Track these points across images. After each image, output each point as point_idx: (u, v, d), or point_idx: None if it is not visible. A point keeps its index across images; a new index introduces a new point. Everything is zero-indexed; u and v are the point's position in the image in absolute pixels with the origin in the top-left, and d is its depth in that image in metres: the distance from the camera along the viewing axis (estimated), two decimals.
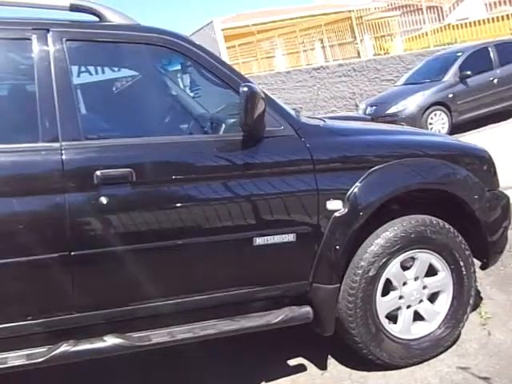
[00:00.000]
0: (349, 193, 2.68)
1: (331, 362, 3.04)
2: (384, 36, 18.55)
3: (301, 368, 3.00)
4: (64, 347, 2.36)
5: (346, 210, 2.67)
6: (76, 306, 2.40)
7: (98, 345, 2.41)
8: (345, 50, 19.07)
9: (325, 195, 2.65)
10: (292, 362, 3.06)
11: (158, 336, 2.50)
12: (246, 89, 2.40)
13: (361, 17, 18.81)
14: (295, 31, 19.92)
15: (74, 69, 2.57)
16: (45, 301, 2.36)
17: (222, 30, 22.71)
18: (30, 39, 2.36)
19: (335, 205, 2.67)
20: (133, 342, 2.45)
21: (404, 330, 2.87)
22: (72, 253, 2.32)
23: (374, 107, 10.67)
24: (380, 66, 16.18)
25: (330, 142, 2.77)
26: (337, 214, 2.66)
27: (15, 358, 2.33)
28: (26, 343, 2.39)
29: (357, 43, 18.61)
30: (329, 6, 23.63)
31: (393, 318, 2.88)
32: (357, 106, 15.12)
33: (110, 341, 2.41)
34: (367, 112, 10.60)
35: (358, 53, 18.48)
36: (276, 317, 2.65)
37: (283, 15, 22.61)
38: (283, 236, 2.61)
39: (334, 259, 2.69)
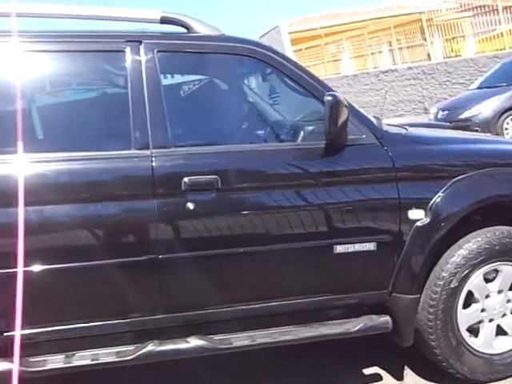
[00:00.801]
0: (431, 202, 2.64)
1: (407, 372, 3.00)
2: (455, 38, 18.04)
3: (376, 377, 2.98)
4: (150, 346, 2.45)
5: (428, 219, 2.63)
6: (161, 307, 2.49)
7: (182, 346, 2.49)
8: (414, 53, 18.69)
9: (407, 204, 2.63)
10: (367, 371, 3.04)
11: (239, 339, 2.55)
12: (330, 98, 2.42)
13: (431, 18, 18.37)
14: (363, 34, 19.70)
15: (164, 79, 2.66)
16: (132, 301, 2.46)
17: (289, 33, 22.78)
18: (123, 51, 2.48)
19: (417, 214, 2.64)
20: (215, 344, 2.51)
21: (486, 344, 2.79)
22: (160, 256, 2.41)
23: (446, 112, 10.39)
24: (451, 68, 15.76)
25: (413, 151, 2.74)
26: (418, 223, 2.64)
27: (106, 355, 2.44)
28: (115, 341, 2.50)
29: (427, 45, 18.20)
30: (398, 8, 23.22)
31: (474, 331, 2.81)
32: (426, 109, 14.80)
33: (193, 342, 2.49)
34: (439, 117, 10.34)
35: (428, 55, 18.06)
36: (355, 325, 2.65)
37: (351, 18, 22.40)
38: (364, 244, 2.61)
39: (414, 269, 2.66)
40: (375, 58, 19.91)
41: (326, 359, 3.13)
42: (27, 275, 2.33)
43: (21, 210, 2.02)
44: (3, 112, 2.43)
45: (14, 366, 2.10)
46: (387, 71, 17.38)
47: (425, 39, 18.31)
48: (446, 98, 13.75)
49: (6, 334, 2.33)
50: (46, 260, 2.35)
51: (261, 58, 2.64)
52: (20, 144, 2.11)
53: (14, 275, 2.29)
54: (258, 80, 3.05)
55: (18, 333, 2.05)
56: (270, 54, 2.65)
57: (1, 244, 2.29)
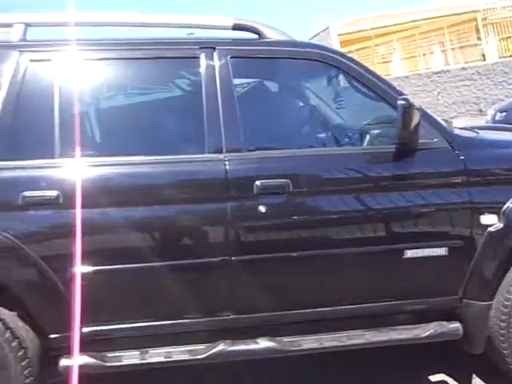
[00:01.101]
0: (505, 207, 2.59)
1: (476, 381, 2.95)
2: (511, 37, 17.51)
3: None
4: (222, 346, 2.49)
5: (502, 224, 2.58)
6: (231, 308, 2.53)
7: (252, 346, 2.52)
8: (467, 53, 18.22)
9: (479, 209, 2.59)
10: (434, 378, 3.00)
11: (308, 342, 2.57)
12: (404, 101, 2.41)
13: (486, 17, 17.89)
14: (415, 34, 19.36)
15: (237, 84, 2.71)
16: (204, 301, 2.52)
17: (339, 35, 22.61)
18: (198, 57, 2.54)
19: (490, 219, 2.59)
20: (284, 346, 2.54)
21: None
22: (232, 258, 2.46)
23: (505, 113, 10.09)
24: (508, 68, 15.33)
25: (485, 155, 2.70)
26: (491, 228, 2.59)
27: (179, 353, 2.50)
28: (187, 340, 2.56)
29: (481, 45, 17.73)
30: (451, 7, 22.71)
31: None
32: (481, 111, 14.42)
33: (263, 343, 2.52)
34: (497, 118, 10.05)
35: (483, 55, 17.59)
36: (425, 331, 2.62)
37: (403, 18, 22.04)
38: (434, 249, 2.58)
39: (486, 275, 2.61)
40: (426, 58, 19.53)
41: (391, 365, 3.11)
42: (107, 274, 2.44)
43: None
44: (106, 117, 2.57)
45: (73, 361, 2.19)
46: (440, 72, 17.02)
47: (479, 38, 17.84)
48: (502, 99, 13.36)
49: (84, 329, 2.42)
50: (124, 259, 2.44)
51: (331, 63, 2.66)
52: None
53: (99, 273, 2.42)
54: (323, 84, 3.06)
55: (76, 324, 2.18)
56: (340, 58, 2.67)
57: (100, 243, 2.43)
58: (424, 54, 19.48)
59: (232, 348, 2.51)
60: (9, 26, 2.55)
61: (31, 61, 2.47)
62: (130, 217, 2.42)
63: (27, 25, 2.56)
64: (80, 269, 2.38)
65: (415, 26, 19.85)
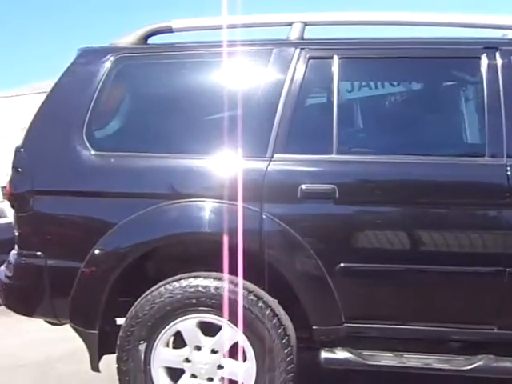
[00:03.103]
0: None
1: None
2: None
3: None
4: (485, 360, 2.38)
5: None
6: (498, 321, 2.40)
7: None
8: None
9: None
10: None
11: None
12: None
13: None
14: None
15: None
16: (472, 311, 2.42)
17: None
18: (479, 57, 2.45)
19: None
20: None
21: None
22: (507, 269, 2.33)
23: None
24: None
25: None
26: None
27: (437, 362, 2.43)
28: (440, 349, 2.48)
29: None
30: None
31: None
32: None
33: None
34: None
35: None
36: None
37: None
38: None
39: None
40: None
41: None
42: (374, 273, 2.45)
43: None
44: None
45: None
46: None
47: None
48: None
49: (345, 325, 2.45)
50: (393, 260, 2.42)
51: None
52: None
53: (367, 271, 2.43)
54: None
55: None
56: None
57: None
58: None
59: (496, 364, 2.38)
60: (288, 24, 2.65)
61: (311, 58, 2.55)
62: (405, 216, 2.40)
63: (305, 24, 2.64)
64: (349, 265, 2.42)
65: None
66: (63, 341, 5.09)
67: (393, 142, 2.55)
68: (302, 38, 2.64)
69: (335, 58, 2.51)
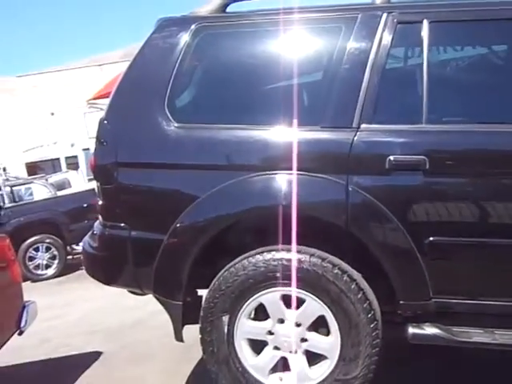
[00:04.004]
0: None
1: None
2: None
3: None
4: None
5: None
6: None
7: None
8: None
9: None
10: None
11: None
12: None
13: None
14: None
15: None
16: None
17: None
18: None
19: None
20: None
21: None
22: None
23: None
24: None
25: None
26: None
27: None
28: None
29: None
30: None
31: None
32: None
33: None
34: None
35: None
36: None
37: None
38: None
39: None
40: None
41: None
42: (463, 247, 2.35)
43: None
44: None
45: None
46: None
47: None
48: None
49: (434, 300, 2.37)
50: (483, 233, 2.33)
51: None
52: None
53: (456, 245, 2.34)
54: None
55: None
56: None
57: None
58: None
59: None
60: None
61: (399, 23, 2.43)
62: (499, 189, 2.30)
63: None
64: (439, 239, 2.34)
65: None
66: (133, 309, 5.28)
67: (487, 111, 2.42)
68: (389, 2, 2.52)
69: (425, 22, 2.38)
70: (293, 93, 2.41)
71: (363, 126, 2.38)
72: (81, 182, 11.79)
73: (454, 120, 2.43)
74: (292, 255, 2.40)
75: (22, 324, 3.49)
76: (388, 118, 2.42)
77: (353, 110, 2.39)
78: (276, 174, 2.42)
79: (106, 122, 2.65)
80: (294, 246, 2.41)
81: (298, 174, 2.40)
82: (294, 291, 2.41)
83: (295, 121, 2.44)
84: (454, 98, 2.48)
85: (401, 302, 2.40)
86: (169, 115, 2.55)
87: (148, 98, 2.61)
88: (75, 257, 8.83)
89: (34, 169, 21.71)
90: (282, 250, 2.43)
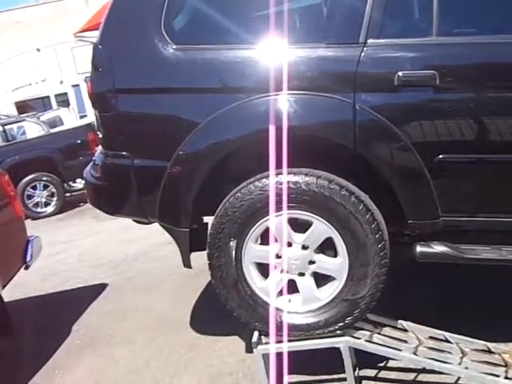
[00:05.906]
0: None
1: None
2: None
3: None
4: None
5: None
6: None
7: None
8: None
9: None
10: None
11: None
12: None
13: None
14: None
15: None
16: None
17: None
18: None
19: None
20: None
21: None
22: None
23: None
24: None
25: None
26: None
27: None
28: None
29: None
30: None
31: None
32: None
33: None
34: None
35: None
36: None
37: None
38: None
39: None
40: None
41: None
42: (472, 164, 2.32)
43: None
44: None
45: None
46: None
47: None
48: None
49: (442, 219, 2.36)
50: (491, 150, 2.28)
51: None
52: None
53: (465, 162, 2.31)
54: None
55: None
56: None
57: None
58: None
59: None
60: None
61: None
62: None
63: None
64: (448, 156, 2.29)
65: None
66: (135, 242, 5.33)
67: (503, 21, 2.31)
68: None
69: None
70: (295, 8, 2.29)
71: (370, 41, 2.28)
72: (73, 119, 11.60)
73: (467, 31, 2.32)
74: (299, 178, 2.36)
75: (28, 258, 3.51)
76: (396, 32, 2.32)
77: (359, 25, 2.28)
78: (279, 94, 2.33)
79: (100, 46, 2.53)
80: (301, 169, 2.37)
81: (302, 94, 2.32)
82: (301, 214, 2.39)
83: (298, 38, 2.34)
84: (466, 7, 2.36)
85: (409, 221, 2.38)
86: (166, 37, 2.43)
87: (143, 20, 2.48)
88: (74, 194, 8.84)
89: (24, 108, 21.29)
90: (289, 173, 2.38)
